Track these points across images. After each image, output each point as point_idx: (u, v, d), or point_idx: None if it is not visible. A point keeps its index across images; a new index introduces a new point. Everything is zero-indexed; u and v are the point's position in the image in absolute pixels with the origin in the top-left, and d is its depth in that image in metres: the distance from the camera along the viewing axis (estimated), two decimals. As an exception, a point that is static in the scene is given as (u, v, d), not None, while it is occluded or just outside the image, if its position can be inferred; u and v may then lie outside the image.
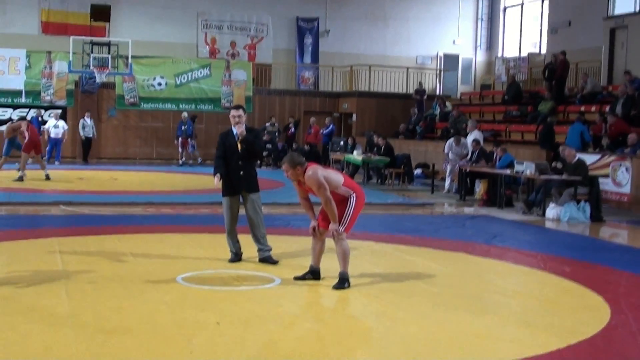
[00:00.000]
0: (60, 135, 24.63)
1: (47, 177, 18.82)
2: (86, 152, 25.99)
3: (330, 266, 8.36)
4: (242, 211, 9.26)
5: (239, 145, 9.14)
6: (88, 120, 25.88)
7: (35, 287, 7.58)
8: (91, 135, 26.00)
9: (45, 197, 15.27)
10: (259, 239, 9.24)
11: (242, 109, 9.43)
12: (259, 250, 9.24)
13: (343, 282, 7.89)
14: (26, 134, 18.71)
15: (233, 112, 9.29)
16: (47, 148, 24.44)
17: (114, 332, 6.11)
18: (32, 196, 15.48)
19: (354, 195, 8.02)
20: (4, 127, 20.67)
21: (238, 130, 9.13)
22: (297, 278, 8.24)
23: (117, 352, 5.60)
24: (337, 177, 8.04)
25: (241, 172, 9.12)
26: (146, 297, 7.37)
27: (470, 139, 19.38)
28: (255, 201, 9.21)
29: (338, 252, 7.97)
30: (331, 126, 26.72)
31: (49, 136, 24.63)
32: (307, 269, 8.30)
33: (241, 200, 9.26)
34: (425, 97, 28.02)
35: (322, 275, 8.23)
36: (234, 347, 5.83)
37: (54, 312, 6.67)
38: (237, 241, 9.31)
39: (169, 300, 7.24)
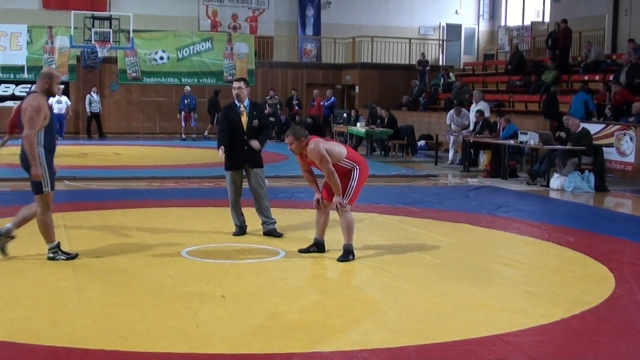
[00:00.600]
0: (63, 111, 24.58)
1: None
2: (98, 127, 26.08)
3: (334, 238, 8.38)
4: (245, 185, 9.25)
5: (243, 119, 9.12)
6: (95, 96, 25.86)
7: (40, 262, 7.60)
8: (98, 111, 26.00)
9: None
10: (263, 212, 9.24)
11: (244, 81, 9.40)
12: (263, 223, 9.26)
13: (347, 255, 7.90)
14: None
15: (234, 84, 9.27)
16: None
17: (119, 306, 6.14)
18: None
19: (357, 167, 8.00)
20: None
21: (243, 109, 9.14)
22: (301, 251, 8.26)
23: (123, 325, 5.62)
24: (340, 149, 8.03)
25: (245, 147, 9.09)
26: (151, 271, 7.39)
27: (477, 108, 19.30)
28: (259, 175, 9.20)
29: (342, 224, 7.97)
30: (332, 98, 26.64)
31: (52, 112, 24.56)
32: (311, 242, 8.31)
33: (244, 174, 9.26)
34: (427, 68, 27.91)
35: (326, 247, 8.24)
36: (239, 319, 5.86)
37: (59, 286, 6.70)
38: (242, 214, 9.31)
39: (174, 274, 7.26)
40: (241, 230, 9.28)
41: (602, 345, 5.40)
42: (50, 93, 7.73)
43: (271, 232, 9.19)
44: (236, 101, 9.18)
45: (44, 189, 7.53)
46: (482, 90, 23.73)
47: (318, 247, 8.26)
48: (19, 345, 5.10)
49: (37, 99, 7.45)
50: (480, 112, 19.09)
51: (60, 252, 7.73)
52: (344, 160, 7.94)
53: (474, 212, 11.49)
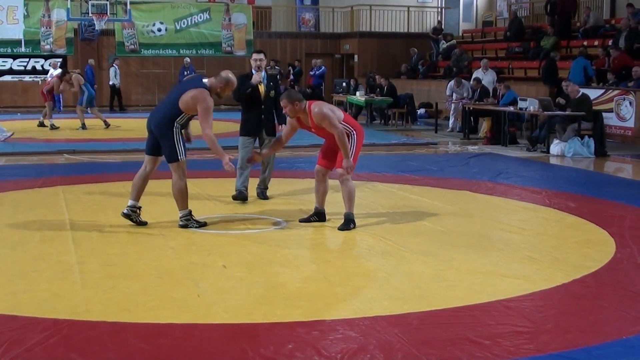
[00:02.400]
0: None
1: (52, 127, 19.01)
2: (119, 100, 26.10)
3: (335, 207, 8.38)
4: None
5: (260, 90, 9.34)
6: (117, 69, 25.82)
7: (41, 236, 7.61)
8: (118, 84, 26.01)
9: (49, 147, 15.25)
10: (265, 178, 9.56)
11: (264, 53, 9.63)
12: (259, 186, 9.60)
13: (348, 223, 7.90)
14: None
15: (255, 56, 9.47)
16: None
17: (121, 277, 6.15)
18: (35, 146, 15.47)
19: (354, 132, 7.95)
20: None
21: (257, 77, 9.29)
22: (302, 220, 8.25)
23: (125, 297, 5.63)
24: (339, 112, 7.99)
25: (262, 116, 9.30)
26: (152, 242, 7.40)
27: (487, 78, 19.19)
28: None
29: (343, 192, 7.96)
30: (322, 68, 26.52)
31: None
32: (311, 212, 8.31)
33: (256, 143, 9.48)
34: (440, 35, 27.63)
35: (327, 217, 8.24)
36: (241, 289, 5.87)
37: (61, 259, 6.71)
38: (246, 179, 9.41)
39: (175, 245, 7.27)
40: (241, 195, 9.35)
41: (603, 309, 5.42)
42: (218, 95, 8.00)
43: (260, 195, 9.59)
44: (253, 71, 9.34)
45: (179, 157, 7.80)
46: (480, 57, 23.66)
47: (319, 216, 8.25)
48: (22, 318, 5.11)
49: (208, 98, 7.71)
50: (477, 80, 19.03)
51: (192, 220, 7.94)
52: (342, 123, 7.86)
53: (475, 179, 11.48)
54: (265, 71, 9.49)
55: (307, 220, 8.24)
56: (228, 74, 8.03)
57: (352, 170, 7.90)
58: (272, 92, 9.47)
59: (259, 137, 9.51)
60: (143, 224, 8.06)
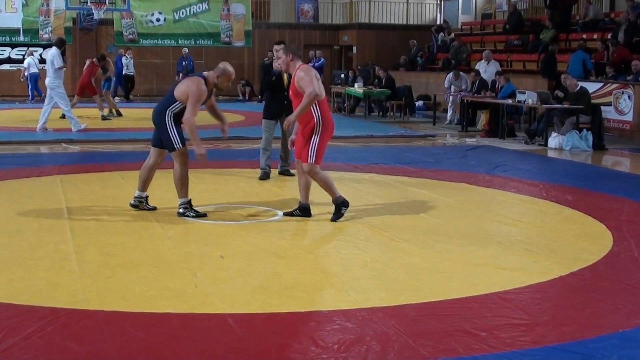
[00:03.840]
0: (37, 70, 24.68)
1: (103, 118, 18.89)
2: (130, 89, 26.13)
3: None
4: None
5: (284, 78, 10.06)
6: (130, 58, 25.84)
7: (39, 224, 7.61)
8: (132, 73, 25.96)
9: (47, 136, 15.24)
10: (286, 155, 10.63)
11: (284, 44, 9.50)
12: (282, 165, 10.72)
13: (339, 210, 7.85)
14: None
15: (276, 47, 9.69)
16: (30, 87, 24.66)
17: (118, 267, 6.15)
18: (33, 135, 15.45)
19: (321, 121, 7.69)
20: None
21: (276, 66, 9.53)
22: (286, 214, 8.14)
23: (122, 286, 5.64)
24: (322, 91, 7.67)
25: (285, 102, 9.59)
26: (150, 232, 7.40)
27: (490, 70, 19.14)
28: None
29: (320, 185, 7.88)
30: (321, 59, 26.49)
31: (28, 74, 24.67)
32: (313, 203, 8.29)
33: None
34: (444, 31, 27.54)
35: (322, 211, 8.23)
36: (238, 279, 5.87)
37: (58, 248, 6.71)
38: (269, 158, 10.40)
39: (172, 235, 7.27)
40: (265, 174, 10.34)
41: (599, 302, 5.43)
42: (217, 87, 8.09)
43: (285, 172, 10.60)
44: (274, 61, 9.63)
45: (175, 146, 7.88)
46: (479, 50, 23.64)
47: (302, 211, 8.05)
48: (19, 307, 5.11)
49: (200, 87, 7.77)
50: (476, 72, 19.02)
51: (190, 209, 7.99)
52: (316, 104, 7.64)
53: (472, 172, 11.49)
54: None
55: (290, 214, 8.09)
56: (226, 65, 8.05)
57: (291, 125, 7.72)
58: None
59: (279, 119, 10.23)
60: (152, 209, 8.25)
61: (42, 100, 18.58)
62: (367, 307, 5.19)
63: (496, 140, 15.74)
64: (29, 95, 25.05)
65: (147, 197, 8.28)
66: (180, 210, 7.98)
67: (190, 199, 8.07)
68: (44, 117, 15.94)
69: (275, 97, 10.36)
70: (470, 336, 4.67)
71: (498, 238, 7.36)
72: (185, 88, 7.76)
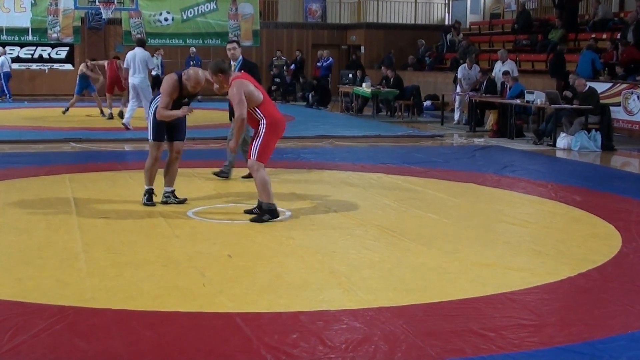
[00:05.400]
0: (9, 69, 24.89)
1: (118, 115, 18.94)
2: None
3: (333, 201, 8.38)
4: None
5: None
6: (159, 58, 25.91)
7: (47, 223, 7.63)
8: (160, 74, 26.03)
9: (55, 135, 15.27)
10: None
11: (237, 42, 10.26)
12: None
13: (263, 215, 7.74)
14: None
15: (228, 46, 10.15)
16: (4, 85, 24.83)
17: (126, 265, 6.16)
18: (41, 134, 15.49)
19: (264, 121, 7.72)
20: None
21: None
22: (246, 211, 8.11)
23: (131, 285, 5.65)
24: (257, 97, 7.75)
25: None
26: (158, 231, 7.41)
27: (504, 69, 19.04)
28: None
29: (256, 183, 7.83)
30: (330, 59, 26.50)
31: (1, 72, 24.81)
32: (316, 202, 8.30)
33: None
34: (452, 31, 27.51)
35: (329, 210, 8.23)
36: (246, 278, 5.88)
37: (67, 247, 6.72)
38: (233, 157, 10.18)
39: (180, 234, 7.28)
40: (224, 172, 10.26)
41: (608, 303, 5.41)
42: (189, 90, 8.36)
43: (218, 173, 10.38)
44: (231, 61, 9.89)
45: (148, 137, 8.61)
46: (487, 50, 23.60)
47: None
48: (28, 305, 5.13)
49: (170, 82, 8.23)
50: (483, 72, 18.99)
51: (146, 197, 8.52)
52: (255, 109, 7.72)
53: (480, 172, 11.48)
54: (242, 57, 10.13)
55: (249, 212, 8.06)
56: (197, 72, 8.28)
57: (234, 151, 8.18)
58: None
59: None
60: (182, 202, 8.62)
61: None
62: (375, 307, 5.19)
63: (504, 141, 15.71)
64: (5, 94, 25.05)
65: (173, 191, 8.66)
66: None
67: (152, 189, 8.56)
68: (131, 114, 16.25)
69: None
70: (478, 336, 4.66)
71: (506, 238, 7.35)
72: (163, 83, 8.29)
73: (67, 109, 19.82)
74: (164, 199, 8.61)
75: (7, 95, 24.83)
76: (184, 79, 8.19)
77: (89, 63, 20.22)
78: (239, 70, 9.50)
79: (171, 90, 8.17)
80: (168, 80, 8.22)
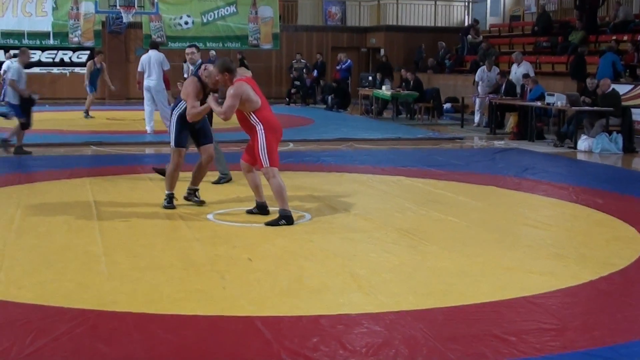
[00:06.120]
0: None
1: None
2: None
3: (352, 200, 8.36)
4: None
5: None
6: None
7: (68, 226, 7.67)
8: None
9: (76, 138, 15.35)
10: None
11: (196, 47, 10.37)
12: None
13: (279, 220, 7.77)
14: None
15: (187, 50, 10.30)
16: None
17: (147, 269, 6.18)
18: (63, 137, 15.57)
19: (261, 127, 7.76)
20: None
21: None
22: (248, 212, 8.29)
23: (151, 288, 5.66)
24: (254, 103, 7.80)
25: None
26: (178, 234, 7.43)
27: (520, 71, 18.94)
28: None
29: (272, 189, 7.88)
30: (348, 61, 26.47)
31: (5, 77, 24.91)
32: (336, 205, 8.28)
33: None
34: (470, 32, 27.42)
35: (346, 211, 8.21)
36: (266, 282, 5.88)
37: (87, 250, 6.75)
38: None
39: (200, 237, 7.29)
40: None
41: (630, 307, 5.37)
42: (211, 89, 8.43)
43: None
44: (190, 65, 10.10)
45: (170, 144, 8.65)
46: (507, 52, 23.49)
47: (260, 209, 8.21)
48: (49, 308, 5.15)
49: (189, 83, 8.35)
50: (502, 74, 18.91)
51: (166, 200, 8.59)
52: (251, 114, 7.78)
53: (501, 175, 11.43)
54: (201, 61, 10.03)
55: (250, 211, 8.25)
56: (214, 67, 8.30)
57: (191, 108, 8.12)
58: None
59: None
60: (201, 203, 8.76)
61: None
62: (396, 310, 5.17)
63: (525, 143, 15.64)
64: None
65: (196, 190, 8.85)
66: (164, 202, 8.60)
67: (173, 194, 8.62)
68: (152, 118, 16.33)
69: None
70: (499, 341, 4.64)
71: (527, 241, 7.31)
72: (184, 89, 8.37)
73: (87, 113, 19.95)
74: (186, 195, 8.80)
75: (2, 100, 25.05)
76: (204, 77, 8.27)
77: (96, 59, 20.32)
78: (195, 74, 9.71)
79: (196, 92, 8.25)
80: (191, 84, 8.28)
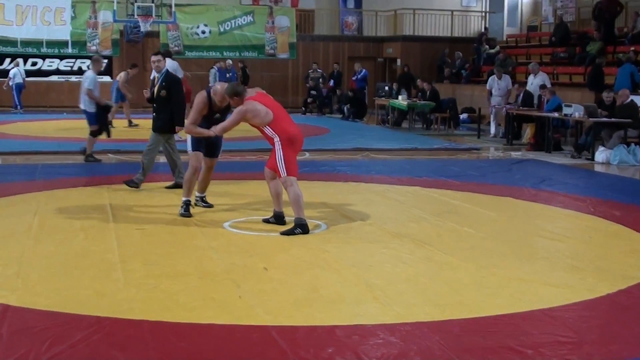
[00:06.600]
0: (22, 81, 25.37)
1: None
2: None
3: (366, 210, 8.34)
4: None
5: (155, 88, 10.31)
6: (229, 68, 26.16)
7: (85, 234, 7.70)
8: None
9: (94, 146, 15.37)
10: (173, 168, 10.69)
11: (162, 54, 10.63)
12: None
13: (295, 229, 7.80)
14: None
15: (152, 58, 10.48)
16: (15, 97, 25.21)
17: (163, 277, 6.19)
18: (80, 145, 15.59)
19: (277, 138, 7.90)
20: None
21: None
22: (264, 220, 8.32)
23: (167, 296, 5.67)
24: (266, 116, 7.92)
25: (154, 113, 10.40)
26: (194, 243, 7.44)
27: (536, 82, 18.86)
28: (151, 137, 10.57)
29: (289, 199, 7.92)
30: (363, 71, 26.48)
31: (13, 84, 25.28)
32: (352, 215, 8.28)
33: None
34: (483, 40, 27.39)
35: (362, 221, 8.20)
36: (282, 291, 5.87)
37: (104, 257, 6.77)
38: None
39: (216, 246, 7.30)
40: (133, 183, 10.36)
41: (648, 320, 5.33)
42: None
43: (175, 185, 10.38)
44: (155, 72, 10.28)
45: (187, 149, 8.91)
46: (524, 63, 23.42)
47: (276, 218, 8.23)
48: (65, 315, 5.17)
49: (198, 97, 8.59)
50: (520, 84, 18.85)
51: (183, 207, 8.66)
52: (267, 127, 7.93)
53: (517, 186, 11.38)
54: (167, 70, 10.37)
55: (267, 220, 8.30)
56: (223, 86, 8.50)
57: (219, 133, 8.26)
58: (163, 92, 10.15)
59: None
60: (209, 206, 9.12)
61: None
62: (411, 321, 5.16)
63: (542, 154, 15.58)
64: (16, 105, 25.52)
65: (203, 197, 9.18)
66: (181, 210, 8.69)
67: (189, 200, 8.75)
68: None
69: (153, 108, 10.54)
70: (515, 353, 4.61)
71: (544, 253, 7.28)
72: (194, 100, 8.63)
73: (130, 122, 20.17)
74: (195, 201, 9.04)
75: (19, 107, 25.30)
76: (212, 94, 8.48)
77: (129, 72, 20.45)
78: (162, 81, 10.13)
79: (201, 107, 8.49)
80: (198, 97, 8.55)
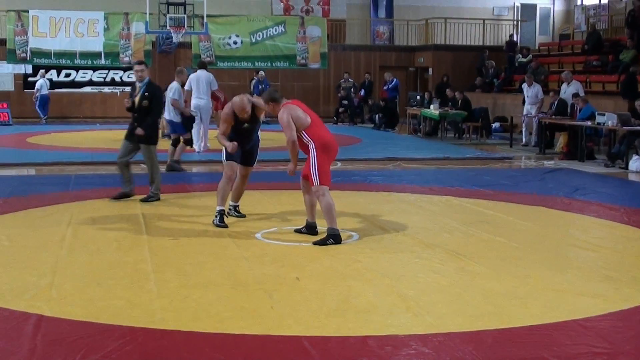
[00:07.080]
0: (47, 92, 26.09)
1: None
2: None
3: (394, 219, 8.32)
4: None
5: (136, 98, 10.26)
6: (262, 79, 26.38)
7: (118, 244, 7.76)
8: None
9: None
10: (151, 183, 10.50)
11: (144, 64, 10.56)
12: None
13: (327, 239, 7.79)
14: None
15: (136, 67, 10.42)
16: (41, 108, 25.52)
17: (195, 287, 6.22)
18: (113, 156, 15.71)
19: (313, 145, 7.90)
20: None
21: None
22: (296, 230, 8.36)
23: (199, 306, 5.69)
24: (304, 120, 7.96)
25: (135, 123, 10.35)
26: (227, 253, 7.47)
27: (570, 90, 18.71)
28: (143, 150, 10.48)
29: (322, 207, 7.91)
30: (394, 80, 26.45)
31: (39, 95, 25.62)
32: (384, 225, 8.27)
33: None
34: (517, 48, 27.29)
35: (391, 231, 8.18)
36: (314, 301, 5.87)
37: (137, 268, 6.82)
38: (126, 176, 10.46)
39: (249, 256, 7.32)
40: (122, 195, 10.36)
41: (685, 331, 5.26)
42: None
43: (145, 199, 10.26)
44: (137, 82, 10.32)
45: (222, 159, 8.97)
46: (556, 71, 23.27)
47: (308, 229, 8.23)
48: (98, 325, 5.21)
49: (226, 111, 8.77)
50: (554, 92, 18.73)
51: (217, 217, 8.69)
52: (303, 132, 7.94)
53: (550, 195, 11.30)
54: (149, 79, 10.33)
55: (298, 230, 8.32)
56: (242, 98, 8.70)
57: (292, 173, 8.09)
58: (145, 102, 10.17)
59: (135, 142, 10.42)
60: (241, 216, 9.19)
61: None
62: (444, 332, 5.13)
63: (575, 163, 15.45)
64: (41, 117, 25.86)
65: (237, 206, 9.29)
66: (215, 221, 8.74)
67: (223, 210, 8.77)
68: (205, 137, 16.65)
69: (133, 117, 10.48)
70: (549, 364, 4.57)
71: (577, 263, 7.21)
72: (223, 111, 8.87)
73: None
74: (228, 211, 9.11)
75: (43, 118, 25.61)
76: (234, 107, 8.65)
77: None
78: (144, 91, 10.14)
79: (227, 118, 8.69)
80: (225, 109, 8.79)
